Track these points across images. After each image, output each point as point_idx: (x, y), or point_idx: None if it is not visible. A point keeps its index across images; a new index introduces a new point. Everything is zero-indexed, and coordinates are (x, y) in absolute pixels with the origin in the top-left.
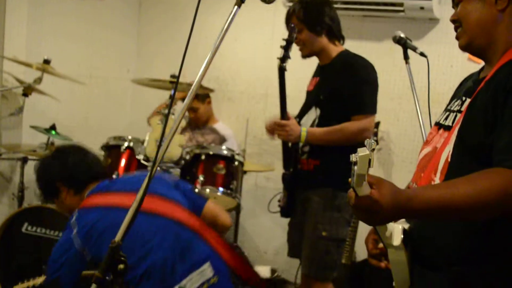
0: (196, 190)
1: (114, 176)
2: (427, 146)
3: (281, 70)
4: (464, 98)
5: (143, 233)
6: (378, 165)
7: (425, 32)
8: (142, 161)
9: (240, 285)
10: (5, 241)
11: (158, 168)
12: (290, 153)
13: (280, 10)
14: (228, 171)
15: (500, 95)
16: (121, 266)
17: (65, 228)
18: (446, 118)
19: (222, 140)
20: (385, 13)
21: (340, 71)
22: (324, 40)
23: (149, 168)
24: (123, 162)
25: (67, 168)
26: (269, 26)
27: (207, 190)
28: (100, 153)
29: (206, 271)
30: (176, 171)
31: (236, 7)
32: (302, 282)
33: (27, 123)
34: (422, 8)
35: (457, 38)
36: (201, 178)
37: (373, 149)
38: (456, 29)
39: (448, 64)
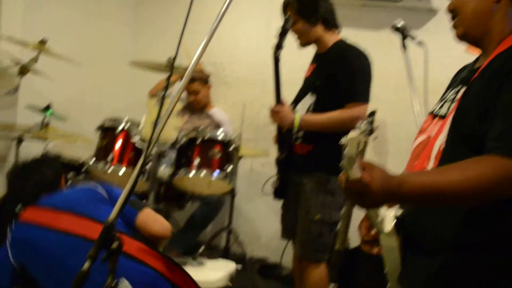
0: (132, 200)
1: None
2: (421, 135)
3: (276, 59)
4: (459, 87)
5: (61, 257)
6: (374, 154)
7: (423, 22)
8: (137, 143)
9: None
10: None
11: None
12: (284, 137)
13: None
14: (224, 155)
15: (494, 84)
16: (115, 244)
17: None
18: (441, 107)
19: (217, 126)
20: (384, 3)
21: (335, 60)
22: (319, 30)
23: (144, 150)
24: (118, 143)
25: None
26: (266, 13)
27: (202, 173)
28: (96, 134)
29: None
30: (172, 154)
31: None
32: (295, 264)
33: (22, 103)
34: None
35: (453, 27)
36: (196, 161)
37: (368, 132)
38: (452, 18)
39: (445, 54)
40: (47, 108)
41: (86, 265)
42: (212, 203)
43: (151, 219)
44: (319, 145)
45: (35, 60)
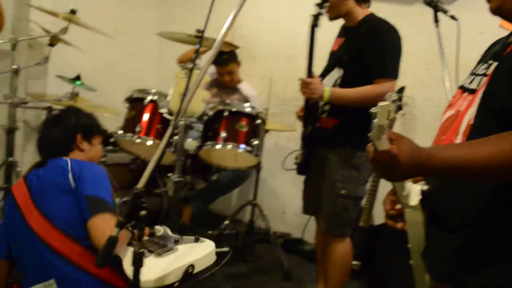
0: (96, 198)
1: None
2: (450, 109)
3: (313, 28)
4: (490, 62)
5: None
6: (401, 131)
7: None
8: (165, 115)
9: None
10: None
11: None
12: (310, 111)
13: None
14: (250, 129)
15: None
16: (143, 212)
17: None
18: (471, 82)
19: (245, 100)
20: None
21: (364, 35)
22: (351, 3)
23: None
24: (146, 115)
25: (83, 119)
26: None
27: (229, 146)
28: (124, 105)
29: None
30: (199, 127)
31: None
32: (319, 239)
33: (53, 73)
34: None
35: (488, 1)
36: (223, 134)
37: (396, 108)
38: None
39: (478, 30)
40: (76, 78)
41: (115, 231)
42: (238, 173)
43: (99, 231)
44: (346, 119)
45: (65, 30)
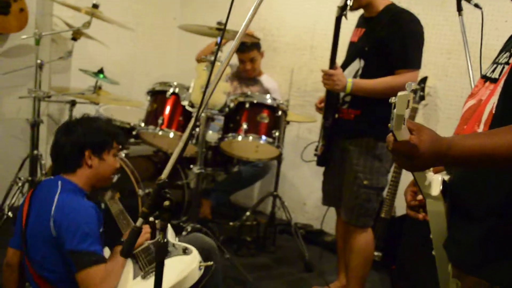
0: (79, 252)
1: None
2: (472, 99)
3: (339, 19)
4: None
5: None
6: (424, 121)
7: None
8: (187, 107)
9: None
10: None
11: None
12: (331, 103)
13: None
14: (272, 120)
15: None
16: (167, 202)
17: None
18: (493, 71)
19: (266, 92)
20: None
21: (386, 24)
22: None
23: (193, 114)
24: (168, 108)
25: (92, 136)
26: None
27: (250, 137)
28: (146, 98)
29: None
30: (220, 119)
31: None
32: (340, 230)
33: (76, 67)
34: None
35: None
36: (244, 126)
37: (419, 98)
38: None
39: (502, 19)
40: (99, 72)
41: (139, 221)
42: (260, 167)
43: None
44: (367, 110)
45: (87, 25)
